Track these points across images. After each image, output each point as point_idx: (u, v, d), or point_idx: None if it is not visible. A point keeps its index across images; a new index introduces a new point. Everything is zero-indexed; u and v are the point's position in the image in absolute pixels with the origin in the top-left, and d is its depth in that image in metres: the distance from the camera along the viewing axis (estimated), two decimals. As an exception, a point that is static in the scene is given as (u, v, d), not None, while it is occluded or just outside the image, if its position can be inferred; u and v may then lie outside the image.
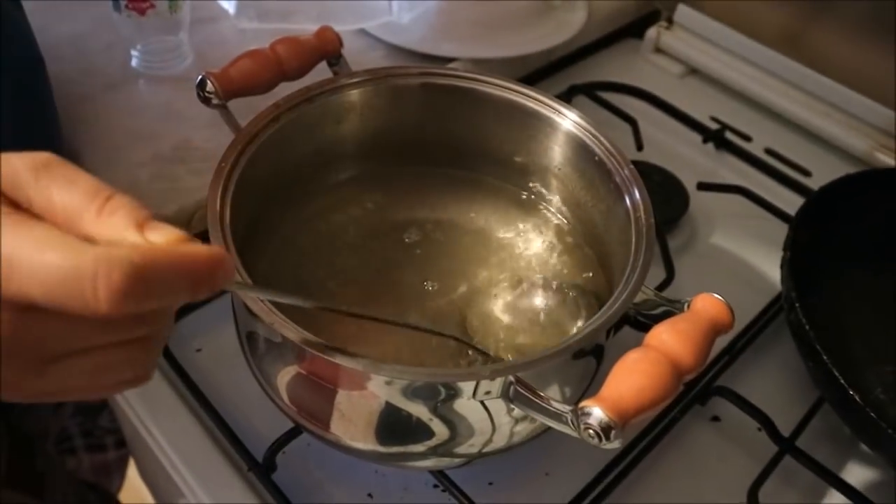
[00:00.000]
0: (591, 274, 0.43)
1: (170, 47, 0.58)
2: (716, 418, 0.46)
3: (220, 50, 0.60)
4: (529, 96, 0.43)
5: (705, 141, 0.64)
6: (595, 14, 0.70)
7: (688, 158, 0.63)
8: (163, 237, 0.23)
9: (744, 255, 0.56)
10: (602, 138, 0.41)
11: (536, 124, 0.43)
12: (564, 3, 0.68)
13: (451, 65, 0.60)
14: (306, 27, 0.59)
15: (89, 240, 0.22)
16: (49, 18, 0.61)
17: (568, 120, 0.42)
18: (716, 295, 0.32)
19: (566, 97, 0.65)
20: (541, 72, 0.68)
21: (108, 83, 0.57)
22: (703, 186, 0.59)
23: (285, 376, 0.35)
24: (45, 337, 0.22)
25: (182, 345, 0.46)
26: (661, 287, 0.50)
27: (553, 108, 0.43)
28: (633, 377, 0.28)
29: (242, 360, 0.39)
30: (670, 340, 0.29)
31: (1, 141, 0.41)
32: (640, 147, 0.62)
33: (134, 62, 0.59)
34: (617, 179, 0.40)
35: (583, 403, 0.28)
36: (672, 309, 0.34)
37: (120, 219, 0.22)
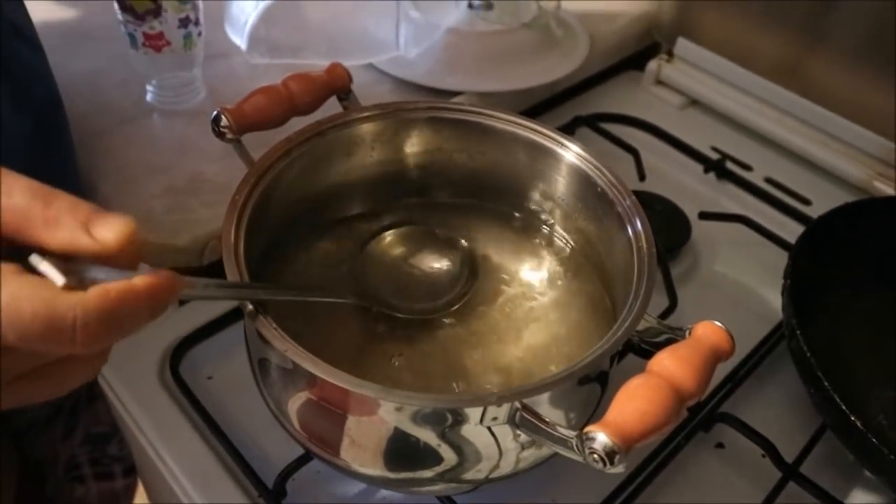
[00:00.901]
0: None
1: (184, 83, 0.60)
2: (720, 445, 0.47)
3: (233, 85, 0.62)
4: (533, 129, 0.44)
5: (706, 171, 0.65)
6: (597, 47, 0.72)
7: (689, 188, 0.64)
8: (112, 233, 0.24)
9: (745, 282, 0.57)
10: (604, 170, 0.42)
11: (540, 156, 0.45)
12: (567, 36, 0.70)
13: (457, 98, 0.62)
14: (315, 62, 0.61)
15: (42, 249, 0.23)
16: (67, 56, 0.63)
17: (571, 152, 0.43)
18: (716, 322, 0.33)
19: (570, 128, 0.67)
20: (545, 103, 0.69)
21: (123, 118, 0.58)
22: (704, 215, 0.60)
23: (296, 402, 0.36)
24: (9, 365, 0.23)
25: (194, 372, 0.47)
26: (664, 315, 0.51)
27: (556, 141, 0.44)
28: (636, 402, 0.29)
29: (253, 388, 0.40)
30: (672, 366, 0.30)
31: None
32: (642, 177, 0.63)
33: (149, 97, 0.60)
34: (619, 210, 0.41)
35: (587, 429, 0.29)
36: (674, 336, 0.35)
37: (66, 225, 0.23)
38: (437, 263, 0.46)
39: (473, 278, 0.45)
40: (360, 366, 0.40)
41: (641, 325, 0.35)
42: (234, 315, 0.50)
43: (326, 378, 0.31)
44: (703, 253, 0.59)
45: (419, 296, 0.44)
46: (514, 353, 0.42)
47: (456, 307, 0.44)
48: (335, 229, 0.47)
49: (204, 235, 0.50)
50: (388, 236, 0.47)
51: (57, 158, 0.49)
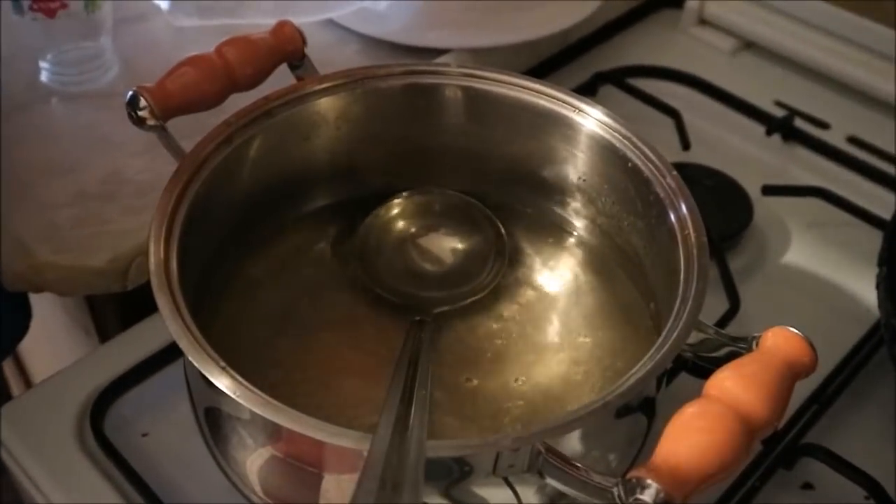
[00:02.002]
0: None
1: (89, 56, 0.60)
2: (808, 485, 0.47)
3: (153, 56, 0.62)
4: (542, 93, 0.45)
5: (769, 132, 0.65)
6: (620, -19, 0.72)
7: (748, 156, 0.64)
8: None
9: (828, 274, 0.58)
10: (636, 139, 0.43)
11: (551, 127, 0.45)
12: (580, -30, 0.70)
13: (442, 58, 0.62)
14: (259, 22, 0.61)
15: None
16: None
17: (591, 119, 0.44)
18: (791, 328, 0.33)
19: (590, 88, 0.67)
20: (556, 59, 0.69)
21: (12, 105, 0.59)
22: (769, 190, 0.60)
23: (256, 461, 0.36)
24: None
25: (123, 429, 0.47)
26: (723, 321, 0.51)
27: (572, 106, 0.44)
28: (692, 437, 0.29)
29: (201, 447, 0.40)
30: (736, 388, 0.30)
31: None
32: (686, 145, 0.63)
33: (44, 76, 0.60)
34: (657, 190, 0.41)
35: (631, 474, 0.29)
36: (737, 349, 0.35)
37: None
38: (456, 242, 0.47)
39: (501, 261, 0.47)
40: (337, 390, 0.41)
41: (694, 337, 0.35)
42: (174, 351, 0.50)
43: (292, 427, 0.31)
44: (769, 239, 0.59)
45: (430, 282, 0.46)
46: (531, 376, 0.43)
47: (473, 299, 0.45)
48: (294, 230, 0.47)
49: (127, 252, 0.50)
50: (395, 206, 0.48)
51: None
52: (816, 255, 0.58)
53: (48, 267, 0.50)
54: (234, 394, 0.32)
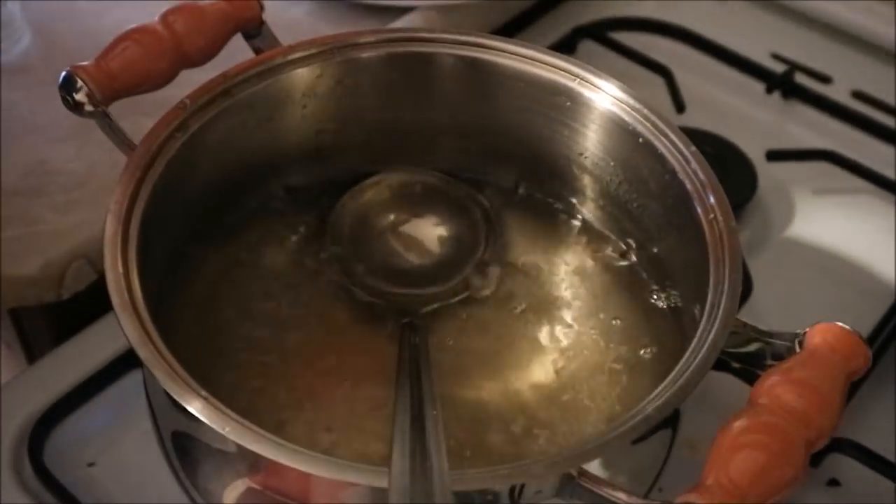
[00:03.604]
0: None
1: (-5, 25, 0.58)
2: (834, 482, 0.48)
3: (70, 22, 0.61)
4: (541, 62, 0.44)
5: (770, 90, 0.66)
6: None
7: (748, 117, 0.65)
8: None
9: (841, 245, 0.58)
10: (647, 111, 0.42)
11: (552, 99, 0.45)
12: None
13: (408, 17, 0.61)
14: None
15: None
16: None
17: (598, 91, 0.43)
18: (841, 324, 0.33)
19: (568, 45, 0.66)
20: (530, 12, 0.69)
21: None
22: (773, 156, 0.61)
23: (233, 492, 0.36)
24: None
25: (66, 459, 0.46)
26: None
27: (575, 76, 0.44)
28: (746, 453, 0.29)
29: (161, 475, 0.40)
30: (789, 396, 0.31)
31: None
32: (680, 108, 0.64)
33: (-58, 49, 0.58)
34: (673, 167, 0.41)
35: (683, 498, 0.29)
36: (778, 346, 0.35)
37: None
38: (441, 228, 0.47)
39: (493, 247, 0.46)
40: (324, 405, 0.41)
41: (736, 337, 0.35)
42: (125, 364, 0.49)
43: (278, 460, 0.30)
44: (776, 209, 0.60)
45: (414, 277, 0.46)
46: (534, 379, 0.43)
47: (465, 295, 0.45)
48: (258, 223, 0.47)
49: (61, 255, 0.49)
50: (368, 189, 0.48)
51: None
52: (827, 226, 0.59)
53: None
54: (224, 430, 0.31)
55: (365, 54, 0.45)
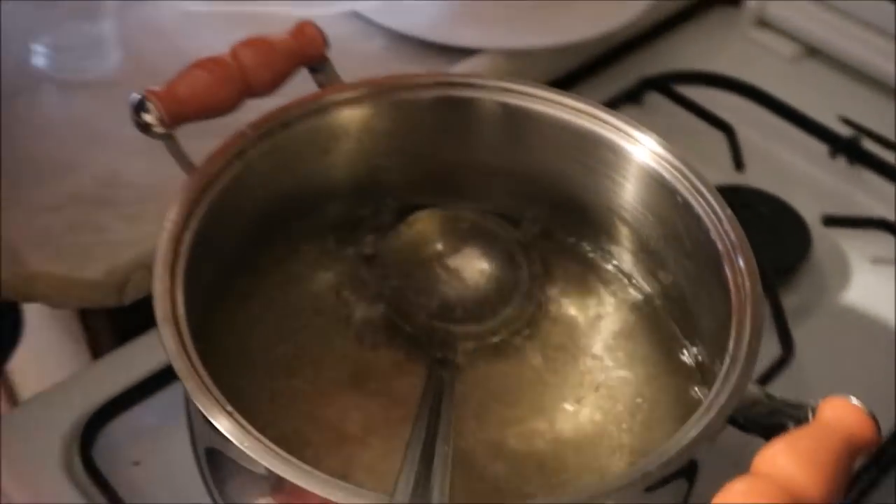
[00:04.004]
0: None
1: (88, 40, 0.61)
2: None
3: (159, 43, 0.63)
4: (586, 113, 0.45)
5: (834, 153, 0.65)
6: (673, -24, 0.72)
7: (809, 179, 0.64)
8: None
9: (893, 318, 0.57)
10: (687, 171, 0.43)
11: (596, 151, 0.45)
12: (630, -36, 0.70)
13: (476, 58, 0.62)
14: (276, 10, 0.61)
15: None
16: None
17: (639, 145, 0.44)
18: (852, 399, 0.33)
19: (635, 94, 0.67)
20: (600, 60, 0.70)
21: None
22: (831, 221, 0.60)
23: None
24: None
25: (112, 455, 0.48)
26: (775, 370, 0.51)
27: (619, 129, 0.44)
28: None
29: (198, 479, 0.40)
30: (789, 466, 0.30)
31: None
32: (739, 165, 0.64)
33: (38, 61, 0.61)
34: (708, 228, 0.41)
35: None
36: (789, 415, 0.35)
37: None
38: (486, 268, 0.48)
39: (534, 292, 0.47)
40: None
41: (749, 402, 0.35)
42: (172, 374, 0.50)
43: (308, 488, 0.31)
44: (830, 275, 0.59)
45: (455, 314, 0.46)
46: (558, 424, 0.43)
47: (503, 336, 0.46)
48: (304, 255, 0.48)
49: (125, 264, 0.51)
50: (418, 222, 0.49)
51: None
52: (881, 296, 0.58)
53: (40, 277, 0.50)
54: (243, 445, 0.33)
55: (414, 96, 0.46)
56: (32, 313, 0.54)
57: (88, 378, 0.51)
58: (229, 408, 0.34)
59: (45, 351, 0.68)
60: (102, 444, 0.49)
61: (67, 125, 0.58)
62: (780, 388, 0.49)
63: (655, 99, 0.67)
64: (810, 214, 0.60)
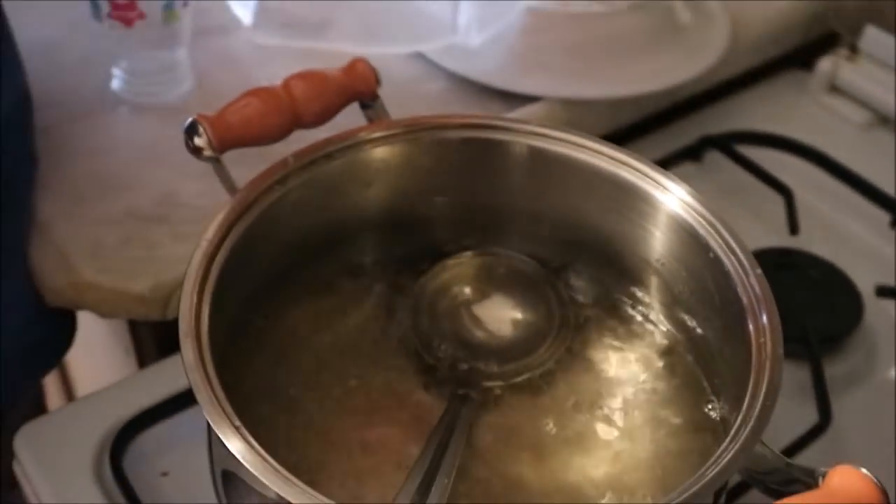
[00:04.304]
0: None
1: (163, 67, 0.63)
2: None
3: (230, 72, 0.66)
4: (619, 161, 0.45)
5: (895, 223, 0.64)
6: (742, 36, 0.72)
7: (865, 248, 0.64)
8: None
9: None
10: (720, 226, 0.42)
11: (629, 200, 0.45)
12: (698, 21, 0.70)
13: (538, 105, 0.63)
14: (344, 48, 0.63)
15: None
16: (14, 17, 0.67)
17: (673, 197, 0.44)
18: (862, 470, 0.32)
19: (695, 152, 0.67)
20: (662, 116, 0.70)
21: (78, 110, 0.62)
22: (885, 292, 0.59)
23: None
24: None
25: (142, 466, 0.49)
26: (810, 437, 0.50)
27: (652, 180, 0.44)
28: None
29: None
30: (791, 530, 0.30)
31: None
32: (794, 229, 0.63)
33: (115, 84, 0.64)
34: (737, 286, 0.41)
35: None
36: (800, 480, 0.35)
37: None
38: (517, 311, 0.48)
39: (563, 337, 0.47)
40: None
41: (761, 461, 0.35)
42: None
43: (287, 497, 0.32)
44: (879, 347, 0.58)
45: (482, 352, 0.47)
46: (575, 471, 0.43)
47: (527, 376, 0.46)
48: (342, 280, 0.49)
49: (170, 281, 0.53)
50: (455, 265, 0.50)
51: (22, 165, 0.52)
52: (932, 373, 0.57)
53: (89, 287, 0.52)
54: (244, 459, 0.33)
55: (447, 136, 0.46)
56: (93, 319, 0.56)
57: (124, 389, 0.53)
58: (237, 422, 0.34)
59: (96, 351, 0.70)
60: (133, 453, 0.50)
61: (133, 146, 0.61)
62: (812, 456, 0.49)
63: (715, 157, 0.67)
64: (865, 284, 0.59)
